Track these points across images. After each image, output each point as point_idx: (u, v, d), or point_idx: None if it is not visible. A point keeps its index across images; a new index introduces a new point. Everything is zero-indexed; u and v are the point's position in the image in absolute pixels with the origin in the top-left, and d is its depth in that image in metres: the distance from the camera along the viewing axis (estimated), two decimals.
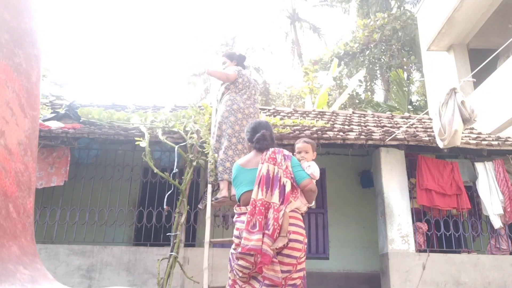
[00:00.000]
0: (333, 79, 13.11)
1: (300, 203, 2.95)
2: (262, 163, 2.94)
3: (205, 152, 5.07)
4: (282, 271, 2.72)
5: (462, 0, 8.03)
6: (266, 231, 2.71)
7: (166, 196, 5.02)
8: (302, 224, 2.91)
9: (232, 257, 2.89)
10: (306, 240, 2.91)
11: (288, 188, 2.84)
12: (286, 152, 3.04)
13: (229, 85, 4.89)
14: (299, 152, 3.21)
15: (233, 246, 2.93)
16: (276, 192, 2.81)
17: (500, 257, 5.80)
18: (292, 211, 2.88)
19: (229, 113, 4.70)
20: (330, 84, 12.59)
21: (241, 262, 2.77)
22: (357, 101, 17.01)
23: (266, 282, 2.71)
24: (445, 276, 5.54)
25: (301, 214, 3.05)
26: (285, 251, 2.76)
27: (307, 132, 5.89)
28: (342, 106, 16.40)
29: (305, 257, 2.88)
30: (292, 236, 2.79)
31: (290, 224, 2.82)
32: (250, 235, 2.73)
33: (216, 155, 4.75)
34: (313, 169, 3.04)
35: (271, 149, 3.04)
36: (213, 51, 25.20)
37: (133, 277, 5.24)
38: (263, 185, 2.84)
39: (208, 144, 5.06)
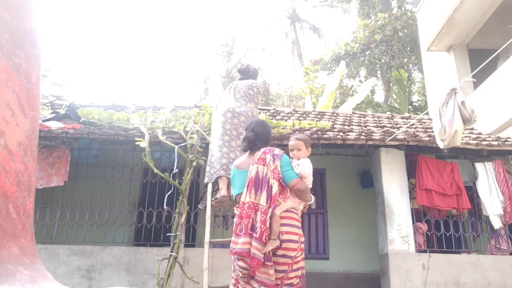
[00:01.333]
0: (336, 82, 12.96)
1: (292, 203, 2.90)
2: (252, 165, 2.94)
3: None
4: (278, 271, 2.72)
5: (462, 0, 8.04)
6: (254, 235, 2.70)
7: (166, 197, 5.03)
8: (296, 223, 2.87)
9: (234, 258, 2.90)
10: (302, 239, 2.86)
11: (275, 189, 2.80)
12: (277, 151, 2.99)
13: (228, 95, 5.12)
14: (291, 150, 3.15)
15: (231, 252, 2.96)
16: (264, 194, 2.78)
17: (500, 258, 5.80)
18: (286, 211, 2.85)
19: (221, 115, 4.86)
20: (334, 88, 12.49)
21: (240, 263, 2.78)
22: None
23: (262, 286, 2.73)
24: (445, 277, 5.54)
25: (302, 211, 3.04)
26: (280, 252, 2.75)
27: (307, 133, 5.89)
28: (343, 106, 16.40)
29: (302, 256, 2.85)
30: (286, 237, 2.77)
31: (283, 225, 2.79)
32: (237, 238, 2.77)
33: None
34: (301, 169, 2.92)
35: (262, 150, 3.01)
36: (213, 52, 25.24)
37: (133, 277, 5.24)
38: (251, 187, 2.83)
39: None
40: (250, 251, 2.68)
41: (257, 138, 3.16)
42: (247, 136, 3.17)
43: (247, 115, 4.81)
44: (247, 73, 5.30)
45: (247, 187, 2.86)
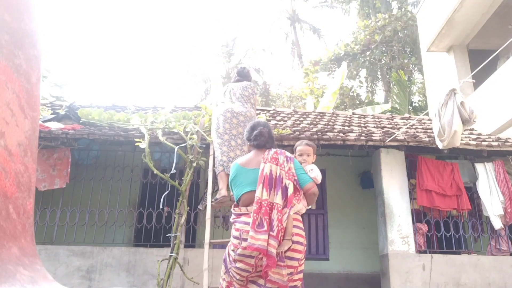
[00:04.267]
0: (333, 79, 12.95)
1: (302, 206, 2.94)
2: (265, 163, 2.91)
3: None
4: None
5: (462, 1, 8.04)
6: (271, 233, 2.68)
7: (163, 197, 5.03)
8: (302, 225, 2.91)
9: (229, 259, 2.84)
10: (306, 242, 2.90)
11: (290, 190, 2.81)
12: (288, 153, 3.01)
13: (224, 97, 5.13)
14: (301, 155, 3.17)
15: (231, 247, 2.87)
16: (279, 193, 2.78)
17: (500, 258, 5.80)
18: (294, 213, 2.87)
19: (221, 114, 4.85)
20: (336, 89, 12.46)
21: (239, 264, 2.73)
22: (357, 102, 17.03)
23: (268, 285, 2.68)
24: (446, 277, 5.53)
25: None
26: (288, 254, 2.75)
27: (307, 133, 5.89)
28: (343, 107, 16.40)
29: (304, 259, 2.88)
30: (294, 238, 2.78)
31: (293, 226, 2.81)
32: (257, 234, 2.68)
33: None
34: (316, 173, 3.03)
35: (273, 150, 3.02)
36: (214, 52, 25.24)
37: (133, 278, 5.24)
38: (266, 185, 2.80)
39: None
40: (268, 250, 2.63)
41: (269, 135, 3.17)
42: (262, 131, 3.13)
43: (246, 115, 4.82)
44: (245, 76, 5.33)
45: (262, 184, 2.81)
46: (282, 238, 2.71)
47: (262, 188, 2.80)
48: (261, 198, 2.77)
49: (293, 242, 2.76)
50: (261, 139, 3.10)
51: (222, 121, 4.80)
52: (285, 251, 2.73)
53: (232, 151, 4.61)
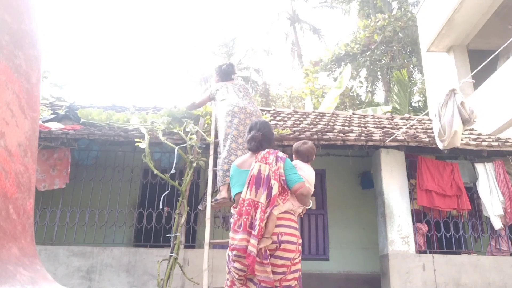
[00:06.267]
0: (333, 79, 12.99)
1: (291, 205, 2.93)
2: (255, 163, 2.95)
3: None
4: (277, 273, 2.73)
5: (462, 1, 8.04)
6: (253, 232, 2.71)
7: (162, 197, 5.03)
8: (294, 225, 2.89)
9: (229, 259, 2.89)
10: (300, 241, 2.88)
11: (275, 190, 2.81)
12: (280, 154, 3.01)
13: (215, 97, 5.09)
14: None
15: (229, 248, 2.95)
16: (264, 193, 2.81)
17: (500, 258, 5.80)
18: (284, 212, 2.86)
19: (232, 116, 4.72)
20: (340, 91, 12.45)
21: (236, 264, 2.78)
22: (357, 102, 17.03)
23: (263, 284, 2.72)
24: (446, 278, 5.53)
25: (299, 215, 3.05)
26: (278, 253, 2.75)
27: (307, 134, 5.89)
28: (343, 107, 16.40)
29: (300, 258, 2.87)
30: (284, 238, 2.78)
31: (282, 226, 2.80)
32: (235, 234, 2.78)
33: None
34: (302, 173, 3.11)
35: (266, 150, 3.04)
36: (213, 53, 25.23)
37: (133, 278, 5.23)
38: (252, 184, 2.85)
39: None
40: (247, 248, 2.68)
41: (264, 138, 3.16)
42: (255, 136, 3.14)
43: (257, 115, 4.78)
44: (234, 73, 5.32)
45: (248, 184, 2.86)
46: (262, 236, 2.75)
47: (247, 188, 2.85)
48: (244, 199, 2.83)
49: (283, 241, 2.77)
50: (252, 144, 3.12)
51: (236, 123, 4.64)
52: (275, 250, 2.74)
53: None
